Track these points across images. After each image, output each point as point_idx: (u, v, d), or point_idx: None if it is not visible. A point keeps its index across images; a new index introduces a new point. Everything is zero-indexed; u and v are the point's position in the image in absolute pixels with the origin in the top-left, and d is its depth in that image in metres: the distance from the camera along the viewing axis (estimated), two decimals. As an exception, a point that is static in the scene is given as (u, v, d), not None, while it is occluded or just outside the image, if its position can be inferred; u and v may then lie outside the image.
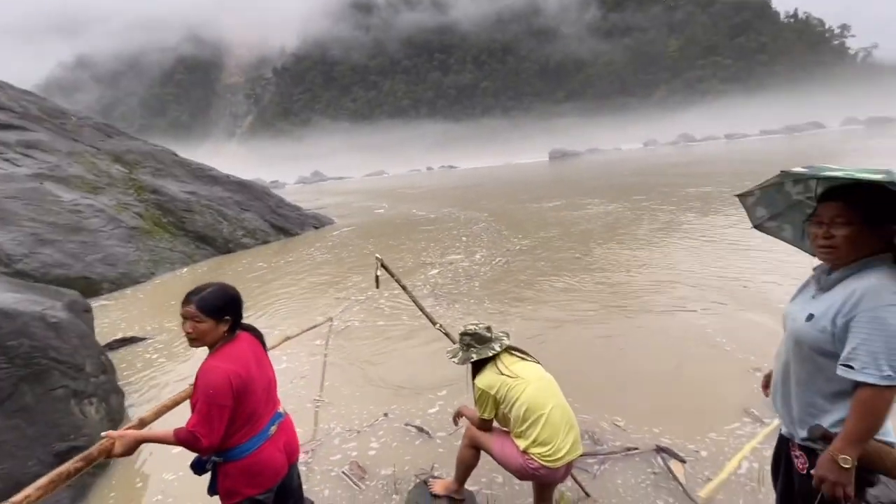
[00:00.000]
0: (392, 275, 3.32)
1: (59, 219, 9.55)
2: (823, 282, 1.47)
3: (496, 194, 23.43)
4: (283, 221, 14.76)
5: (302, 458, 3.22)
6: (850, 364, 1.29)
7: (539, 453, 2.09)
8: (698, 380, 3.89)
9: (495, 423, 2.33)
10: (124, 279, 9.29)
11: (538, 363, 2.38)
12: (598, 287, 6.61)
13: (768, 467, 1.83)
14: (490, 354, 2.27)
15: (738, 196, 1.77)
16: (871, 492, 1.44)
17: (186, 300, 1.75)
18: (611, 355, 4.49)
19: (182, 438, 1.65)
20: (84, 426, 3.33)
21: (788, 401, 1.53)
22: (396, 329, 5.72)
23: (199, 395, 1.67)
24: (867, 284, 1.31)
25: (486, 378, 2.23)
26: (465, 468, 2.45)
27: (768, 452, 1.81)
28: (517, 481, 2.57)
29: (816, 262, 1.55)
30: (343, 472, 3.05)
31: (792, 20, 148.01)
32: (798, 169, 1.40)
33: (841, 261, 1.41)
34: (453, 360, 2.37)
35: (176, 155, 14.79)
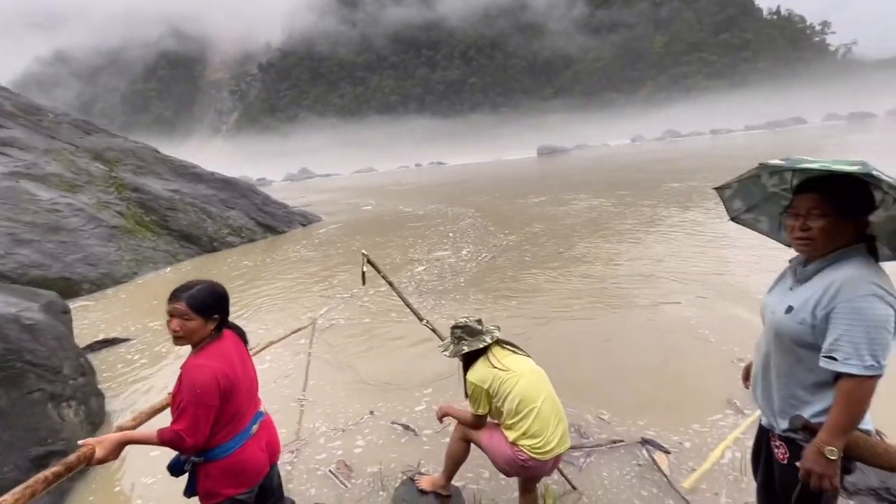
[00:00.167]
0: (378, 271, 3.29)
1: (37, 218, 9.31)
2: (800, 273, 1.47)
3: (484, 190, 23.44)
4: (270, 219, 14.59)
5: (287, 457, 3.18)
6: (833, 355, 1.30)
7: (529, 445, 2.09)
8: (682, 372, 3.93)
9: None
10: (106, 279, 9.10)
11: (529, 356, 2.37)
12: (583, 281, 6.65)
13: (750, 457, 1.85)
14: (481, 346, 2.26)
15: (716, 189, 1.78)
16: (849, 479, 1.46)
17: (174, 297, 1.70)
18: (596, 349, 4.52)
19: (166, 439, 1.60)
20: (62, 430, 3.25)
21: (769, 392, 1.54)
22: (382, 327, 5.68)
23: (185, 394, 1.61)
24: (845, 276, 1.32)
25: (479, 372, 2.22)
26: (455, 462, 2.44)
27: (750, 442, 1.82)
28: (503, 476, 2.57)
29: (792, 253, 1.56)
30: (329, 471, 3.03)
31: (774, 17, 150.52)
32: (776, 161, 1.41)
33: (817, 252, 1.41)
34: (445, 353, 2.36)
35: (158, 152, 14.48)
